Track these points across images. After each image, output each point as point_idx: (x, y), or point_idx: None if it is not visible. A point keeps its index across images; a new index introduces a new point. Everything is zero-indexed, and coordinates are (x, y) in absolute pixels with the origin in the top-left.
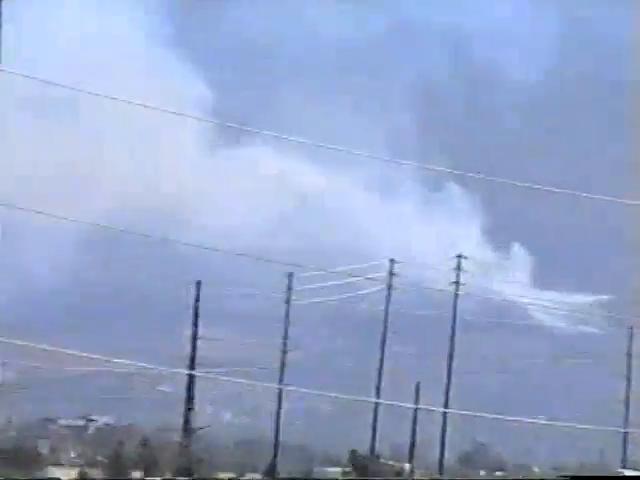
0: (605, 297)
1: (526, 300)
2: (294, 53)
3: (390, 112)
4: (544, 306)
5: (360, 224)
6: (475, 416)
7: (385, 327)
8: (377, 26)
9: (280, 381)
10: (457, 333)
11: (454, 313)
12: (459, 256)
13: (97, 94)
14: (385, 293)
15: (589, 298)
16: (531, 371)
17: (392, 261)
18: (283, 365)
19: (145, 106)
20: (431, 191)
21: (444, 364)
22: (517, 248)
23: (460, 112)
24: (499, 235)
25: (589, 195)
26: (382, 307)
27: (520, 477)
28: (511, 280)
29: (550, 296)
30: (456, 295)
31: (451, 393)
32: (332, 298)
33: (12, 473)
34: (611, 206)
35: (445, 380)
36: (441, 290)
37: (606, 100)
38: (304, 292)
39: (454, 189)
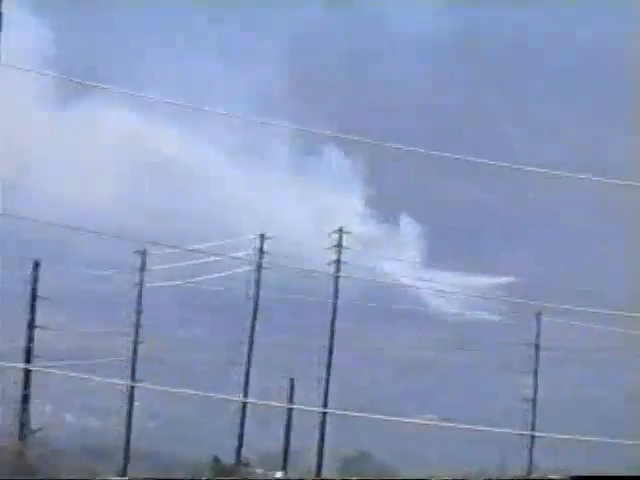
0: (507, 279)
1: (416, 282)
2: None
3: (262, 67)
4: (437, 289)
5: (224, 194)
6: (358, 417)
7: (254, 314)
8: None
9: (132, 376)
10: (338, 320)
11: (334, 297)
12: (339, 231)
13: None
14: (254, 274)
15: (489, 280)
16: (421, 364)
17: (262, 237)
18: (135, 357)
19: None
20: (306, 156)
21: (322, 357)
22: (407, 223)
23: (342, 69)
24: (386, 208)
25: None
26: (251, 290)
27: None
28: (399, 259)
29: (445, 278)
30: (336, 277)
31: (331, 390)
32: (192, 280)
33: None
34: (525, 177)
35: (323, 375)
36: (318, 271)
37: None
38: (160, 272)
39: (333, 154)
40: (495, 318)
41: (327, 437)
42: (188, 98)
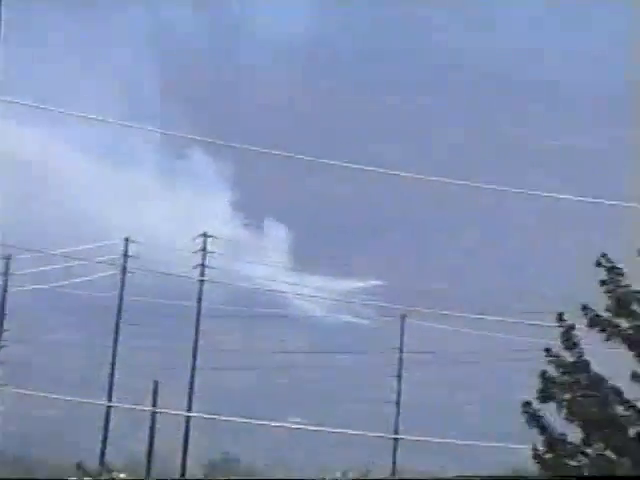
0: (374, 283)
1: (282, 286)
2: None
3: (126, 63)
4: (302, 293)
5: (88, 197)
6: (223, 420)
7: (118, 317)
8: None
9: None
10: (203, 325)
11: (198, 301)
12: (204, 235)
13: None
14: (119, 278)
15: (357, 284)
16: (288, 367)
17: (127, 240)
18: None
19: None
20: (173, 159)
21: (187, 360)
22: (274, 226)
23: (212, 65)
24: (253, 211)
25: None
26: (116, 294)
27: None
28: (265, 263)
29: (312, 281)
30: (201, 281)
31: (196, 393)
32: (58, 284)
33: None
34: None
35: (188, 379)
36: (183, 276)
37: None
38: (24, 277)
39: (200, 158)
40: (362, 321)
41: (193, 440)
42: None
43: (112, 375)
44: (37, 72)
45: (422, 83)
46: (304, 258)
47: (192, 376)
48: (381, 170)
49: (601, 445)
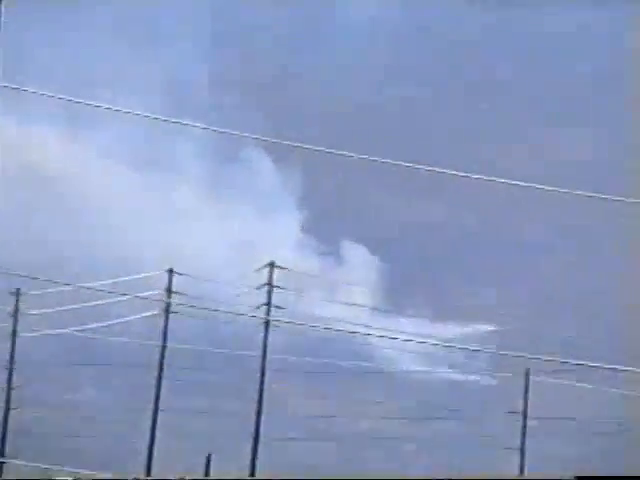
0: (484, 328)
1: (366, 330)
2: None
3: (170, 48)
4: (392, 340)
5: (114, 214)
6: None
7: (160, 371)
8: None
9: None
10: (269, 379)
11: (263, 350)
12: (271, 265)
13: None
14: (161, 320)
15: (460, 329)
16: (375, 439)
17: (171, 272)
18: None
19: None
20: (223, 163)
21: (246, 427)
22: (353, 255)
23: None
24: (327, 235)
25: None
26: (155, 341)
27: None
28: (344, 301)
29: (403, 325)
30: (267, 324)
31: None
32: (80, 327)
33: None
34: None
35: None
36: (241, 315)
37: None
38: (39, 318)
39: (259, 161)
40: (471, 378)
41: None
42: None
43: (151, 449)
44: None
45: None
46: (392, 295)
47: (254, 449)
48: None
49: None
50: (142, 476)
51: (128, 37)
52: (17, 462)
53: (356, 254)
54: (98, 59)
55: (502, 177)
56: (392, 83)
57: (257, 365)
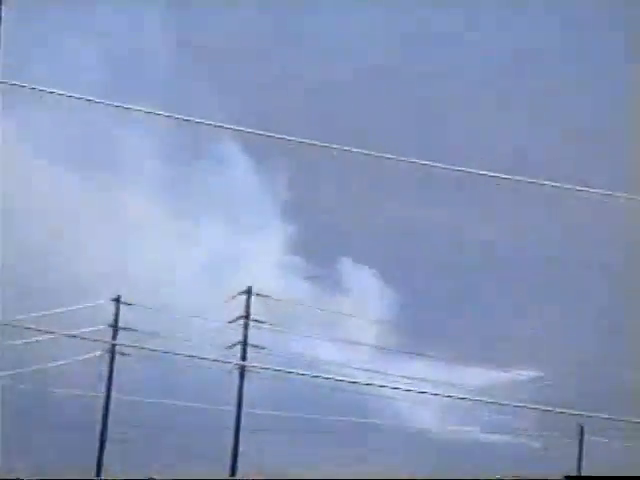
0: (529, 374)
1: (372, 377)
2: None
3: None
4: (405, 389)
5: (45, 227)
6: None
7: (103, 433)
8: None
9: None
10: (244, 442)
11: (238, 405)
12: (247, 291)
13: None
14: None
15: (500, 375)
16: None
17: (118, 302)
18: None
19: None
20: (188, 162)
21: None
22: (353, 277)
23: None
24: (320, 250)
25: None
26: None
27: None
28: (343, 338)
29: (419, 371)
30: (242, 370)
31: None
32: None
33: None
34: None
35: None
36: (210, 359)
37: None
38: None
39: (236, 160)
40: (515, 440)
41: None
42: None
43: None
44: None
45: None
46: (403, 331)
47: None
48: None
49: None
50: None
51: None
52: None
53: (356, 278)
54: None
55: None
56: None
57: (229, 422)
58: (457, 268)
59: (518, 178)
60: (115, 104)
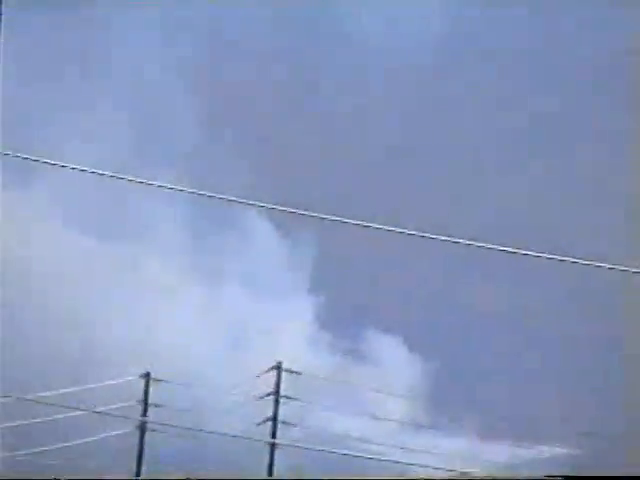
0: (563, 451)
1: (405, 455)
2: None
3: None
4: (439, 467)
5: (66, 300)
6: None
7: None
8: None
9: None
10: None
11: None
12: (277, 367)
13: None
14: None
15: (527, 452)
16: None
17: (147, 378)
18: None
19: None
20: (211, 230)
21: None
22: (383, 352)
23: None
24: (344, 317)
25: None
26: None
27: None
28: (375, 415)
29: (455, 447)
30: (272, 446)
31: None
32: (29, 450)
33: None
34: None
35: None
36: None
37: None
38: None
39: (258, 226)
40: None
41: None
42: None
43: None
44: None
45: None
46: (435, 407)
47: None
48: None
49: None
50: None
51: None
52: None
53: (385, 352)
54: None
55: None
56: None
57: None
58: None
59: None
60: (137, 179)
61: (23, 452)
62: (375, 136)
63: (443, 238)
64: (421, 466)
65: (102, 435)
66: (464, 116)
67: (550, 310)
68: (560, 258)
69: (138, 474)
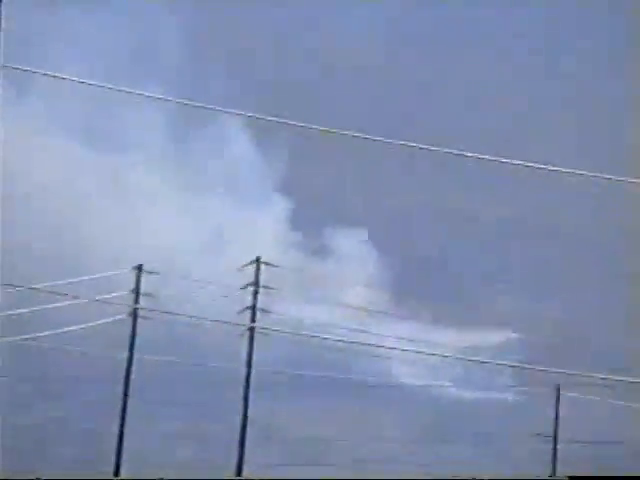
0: (511, 336)
1: (369, 339)
2: None
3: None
4: (404, 350)
5: (63, 202)
6: None
7: (126, 389)
8: None
9: None
10: (253, 397)
11: (248, 364)
12: (257, 260)
13: None
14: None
15: (482, 336)
16: (381, 463)
17: (140, 270)
18: None
19: None
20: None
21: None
22: (353, 246)
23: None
24: (319, 222)
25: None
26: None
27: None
28: (340, 303)
29: (409, 332)
30: (251, 331)
31: None
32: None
33: None
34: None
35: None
36: (223, 321)
37: None
38: None
39: (236, 137)
40: (493, 396)
41: None
42: None
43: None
44: None
45: None
46: (398, 297)
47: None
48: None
49: None
50: None
51: None
52: None
53: (350, 247)
54: None
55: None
56: None
57: (239, 380)
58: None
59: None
60: (123, 89)
61: (20, 337)
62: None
63: (413, 144)
64: (378, 346)
65: (99, 321)
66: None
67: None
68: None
69: (131, 358)
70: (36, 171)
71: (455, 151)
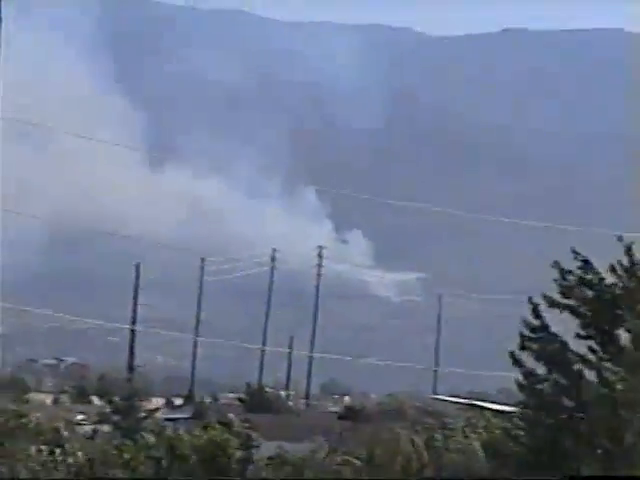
0: (422, 275)
1: (368, 278)
2: None
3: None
4: (380, 282)
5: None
6: (331, 359)
7: (269, 299)
8: None
9: (195, 334)
10: (322, 302)
11: (317, 288)
12: (320, 247)
13: None
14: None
15: (412, 276)
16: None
17: (274, 250)
18: (198, 323)
19: None
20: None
21: (306, 319)
22: (361, 239)
23: None
24: (347, 230)
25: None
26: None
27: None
28: (356, 264)
29: (386, 275)
30: (319, 275)
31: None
32: (231, 276)
33: (5, 397)
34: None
35: (310, 335)
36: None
37: None
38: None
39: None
40: (416, 299)
41: (314, 371)
42: None
43: (265, 332)
44: None
45: None
46: (382, 260)
47: (313, 333)
48: None
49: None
50: None
51: None
52: None
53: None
54: None
55: None
56: None
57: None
58: None
59: None
60: None
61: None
62: None
63: None
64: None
65: None
66: None
67: None
68: None
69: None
70: None
71: None
